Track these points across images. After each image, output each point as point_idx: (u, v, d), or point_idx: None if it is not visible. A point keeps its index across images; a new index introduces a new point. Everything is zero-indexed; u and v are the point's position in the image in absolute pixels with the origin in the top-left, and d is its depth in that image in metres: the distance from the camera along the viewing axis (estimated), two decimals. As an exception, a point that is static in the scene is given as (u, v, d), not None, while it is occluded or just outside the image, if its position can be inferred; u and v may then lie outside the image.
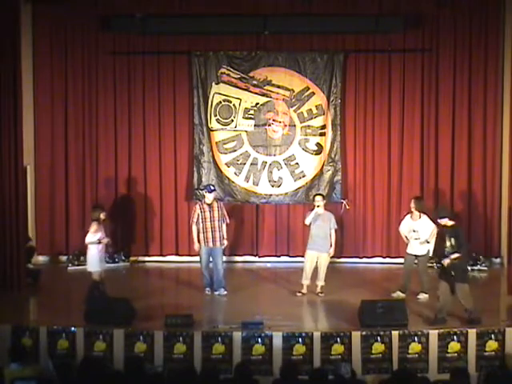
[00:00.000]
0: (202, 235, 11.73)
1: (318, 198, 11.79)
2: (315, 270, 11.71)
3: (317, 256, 11.65)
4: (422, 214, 11.56)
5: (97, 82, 13.96)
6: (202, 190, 13.75)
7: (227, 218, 11.98)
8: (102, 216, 11.13)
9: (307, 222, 11.70)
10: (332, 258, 12.88)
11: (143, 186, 14.13)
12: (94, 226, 11.00)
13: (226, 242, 11.93)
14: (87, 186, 14.08)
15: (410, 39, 13.74)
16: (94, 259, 11.01)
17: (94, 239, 10.95)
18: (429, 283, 11.46)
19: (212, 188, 11.99)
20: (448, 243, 10.06)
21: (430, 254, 11.74)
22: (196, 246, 11.82)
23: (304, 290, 11.69)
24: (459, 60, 13.68)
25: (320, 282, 11.67)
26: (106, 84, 13.98)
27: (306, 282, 11.69)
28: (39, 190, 14.08)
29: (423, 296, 11.39)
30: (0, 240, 11.83)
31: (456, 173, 13.82)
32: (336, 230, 11.79)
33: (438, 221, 10.36)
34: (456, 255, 9.97)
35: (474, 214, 13.78)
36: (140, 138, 14.07)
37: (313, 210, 11.71)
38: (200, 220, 11.72)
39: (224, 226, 11.85)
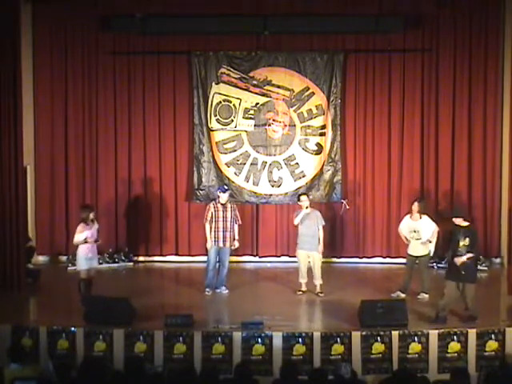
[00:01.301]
0: (212, 234, 11.76)
1: (304, 197, 11.80)
2: (310, 270, 11.73)
3: (308, 255, 11.68)
4: (422, 215, 11.56)
5: (97, 82, 13.96)
6: (201, 190, 13.80)
7: (239, 219, 12.01)
8: (92, 216, 11.14)
9: (296, 222, 11.70)
10: (332, 257, 12.96)
11: (143, 186, 14.13)
12: (79, 227, 11.03)
13: (237, 244, 11.96)
14: (87, 186, 14.08)
15: (410, 39, 13.74)
16: (81, 258, 11.07)
17: (81, 239, 10.99)
18: (429, 283, 11.47)
19: (226, 188, 12.05)
20: (461, 243, 10.05)
21: (431, 254, 11.77)
22: (209, 244, 11.82)
23: (304, 288, 11.73)
24: (459, 60, 13.68)
25: (318, 281, 11.68)
26: (105, 84, 13.98)
27: (303, 280, 11.73)
28: (39, 190, 14.08)
29: (423, 296, 11.39)
30: (0, 240, 11.83)
31: (456, 173, 13.81)
32: (324, 227, 11.80)
33: (453, 219, 10.30)
34: (470, 255, 9.99)
35: (474, 214, 13.74)
36: (140, 137, 14.07)
37: (299, 210, 11.74)
38: (213, 219, 11.75)
39: (236, 227, 11.89)
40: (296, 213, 11.81)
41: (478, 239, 10.27)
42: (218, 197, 11.95)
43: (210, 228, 11.78)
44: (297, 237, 11.86)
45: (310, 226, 11.63)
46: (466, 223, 10.23)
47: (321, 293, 11.62)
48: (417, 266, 11.58)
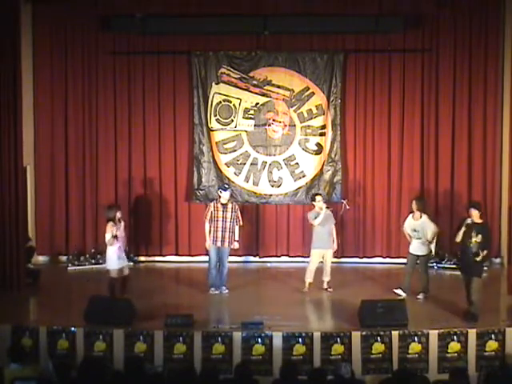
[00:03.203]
0: (211, 234, 11.74)
1: (319, 197, 11.96)
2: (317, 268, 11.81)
3: (322, 254, 11.79)
4: (422, 214, 11.58)
5: (97, 82, 13.95)
6: (201, 190, 13.81)
7: (241, 219, 11.97)
8: (119, 215, 11.23)
9: (317, 222, 11.74)
10: (332, 257, 12.95)
11: (143, 186, 14.13)
12: (108, 226, 11.06)
13: (237, 245, 11.94)
14: (87, 186, 14.07)
15: (410, 39, 13.73)
16: (112, 258, 11.13)
17: (109, 237, 11.04)
18: (428, 283, 11.47)
19: (226, 187, 12.05)
20: (474, 239, 10.20)
21: (433, 254, 11.80)
22: (207, 243, 11.82)
23: (307, 289, 11.77)
24: (459, 60, 13.68)
25: (327, 278, 11.88)
26: (105, 84, 13.97)
27: (310, 280, 11.80)
28: (39, 190, 14.07)
29: (423, 296, 11.40)
30: (0, 240, 11.83)
31: (456, 173, 13.82)
32: (335, 225, 12.04)
33: (471, 210, 10.43)
34: (486, 252, 10.20)
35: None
36: (140, 137, 14.07)
37: (314, 210, 11.83)
38: (212, 218, 11.73)
39: (237, 228, 11.86)
40: (313, 214, 11.83)
41: (490, 237, 10.50)
42: (219, 196, 11.94)
43: (210, 227, 11.78)
44: (313, 236, 11.88)
45: (325, 225, 11.78)
46: (480, 220, 10.40)
47: (329, 288, 11.82)
48: (417, 266, 11.59)
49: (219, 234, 11.73)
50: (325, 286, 11.89)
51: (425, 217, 11.59)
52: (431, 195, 13.82)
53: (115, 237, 11.02)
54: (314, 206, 11.94)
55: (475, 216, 10.37)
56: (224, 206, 11.78)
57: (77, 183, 14.09)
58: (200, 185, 13.94)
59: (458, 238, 10.38)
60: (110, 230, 11.03)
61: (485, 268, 13.12)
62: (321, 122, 13.88)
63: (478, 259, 10.19)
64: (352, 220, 14.01)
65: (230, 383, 8.11)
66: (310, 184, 13.94)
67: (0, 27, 11.70)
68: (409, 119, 13.88)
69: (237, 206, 12.07)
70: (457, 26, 13.64)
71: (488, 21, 13.56)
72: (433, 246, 11.61)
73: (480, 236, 10.18)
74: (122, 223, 11.31)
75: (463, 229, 10.32)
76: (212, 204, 11.90)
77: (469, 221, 10.35)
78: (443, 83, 13.73)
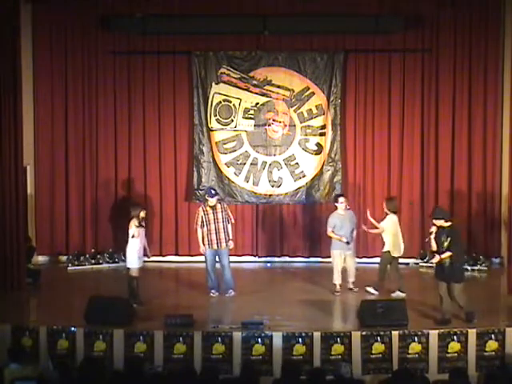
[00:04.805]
0: (206, 238, 11.61)
1: (342, 198, 11.93)
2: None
3: (343, 255, 11.74)
4: (389, 214, 11.65)
5: (97, 82, 13.96)
6: (201, 190, 13.80)
7: (232, 217, 11.87)
8: (143, 214, 11.21)
9: (329, 232, 11.71)
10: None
11: (143, 186, 14.13)
12: (133, 221, 11.06)
13: (231, 243, 11.79)
14: (87, 186, 14.08)
15: (410, 39, 13.74)
16: (134, 256, 11.10)
17: (130, 234, 11.08)
18: (381, 281, 11.59)
19: (213, 192, 11.76)
20: (445, 243, 10.06)
21: (393, 254, 11.72)
22: (202, 248, 11.70)
23: (339, 289, 11.71)
24: (459, 60, 13.69)
25: (352, 279, 11.83)
26: (105, 84, 13.98)
27: (338, 281, 11.72)
28: (39, 190, 14.07)
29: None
30: (0, 240, 11.83)
31: (456, 173, 13.82)
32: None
33: (434, 221, 10.29)
34: (447, 254, 9.98)
35: (474, 214, 13.78)
36: (140, 138, 14.07)
37: (335, 212, 11.83)
38: (204, 222, 11.62)
39: (229, 227, 11.76)
40: (332, 221, 11.74)
41: (458, 239, 10.20)
42: (207, 200, 11.84)
43: (203, 232, 11.62)
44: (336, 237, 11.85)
45: (348, 227, 11.74)
46: (447, 224, 10.21)
47: (355, 288, 11.78)
48: (395, 262, 11.71)
49: (214, 237, 11.60)
50: (350, 285, 11.81)
51: (388, 216, 11.65)
52: (431, 195, 13.83)
53: (141, 225, 11.05)
54: (337, 208, 11.88)
55: (440, 223, 10.17)
56: (213, 207, 11.63)
57: (77, 183, 14.09)
58: (200, 185, 13.94)
59: (433, 247, 10.20)
60: (134, 224, 11.02)
61: (485, 268, 13.28)
62: (321, 122, 13.88)
63: (433, 260, 10.10)
64: (352, 220, 14.01)
65: (231, 383, 8.11)
66: (310, 184, 13.95)
67: (0, 27, 11.71)
68: (409, 119, 13.88)
69: (225, 205, 11.98)
70: (457, 26, 13.65)
71: (488, 21, 13.57)
72: (388, 246, 11.59)
73: (449, 239, 10.02)
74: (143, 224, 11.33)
75: (433, 236, 10.17)
76: (200, 209, 11.75)
77: (433, 228, 10.20)
78: (443, 83, 13.74)
